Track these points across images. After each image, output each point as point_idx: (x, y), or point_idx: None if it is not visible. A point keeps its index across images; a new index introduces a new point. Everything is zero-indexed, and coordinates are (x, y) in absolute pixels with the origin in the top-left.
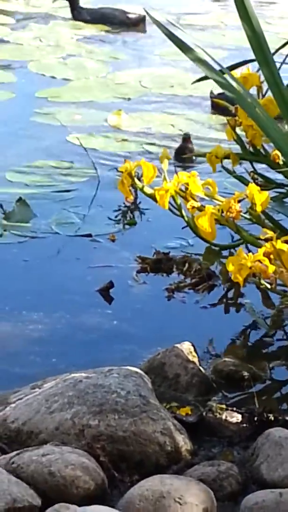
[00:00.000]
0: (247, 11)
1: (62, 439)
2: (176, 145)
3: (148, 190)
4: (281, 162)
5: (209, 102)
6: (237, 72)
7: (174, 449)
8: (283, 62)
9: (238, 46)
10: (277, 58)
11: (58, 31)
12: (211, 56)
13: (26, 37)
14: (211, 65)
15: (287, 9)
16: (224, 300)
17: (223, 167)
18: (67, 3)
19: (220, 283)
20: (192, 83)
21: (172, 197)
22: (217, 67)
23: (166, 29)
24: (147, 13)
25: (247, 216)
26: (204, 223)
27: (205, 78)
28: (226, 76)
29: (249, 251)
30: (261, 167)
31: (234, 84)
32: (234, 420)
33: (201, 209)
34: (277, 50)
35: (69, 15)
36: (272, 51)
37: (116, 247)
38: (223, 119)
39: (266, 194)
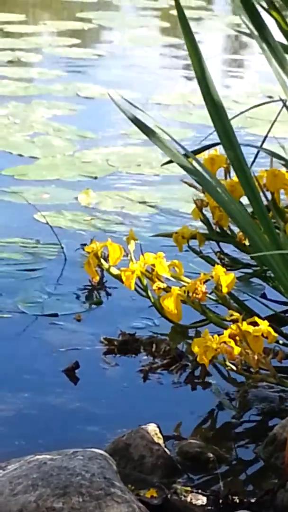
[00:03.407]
0: (211, 94)
1: None
2: (145, 223)
3: (114, 270)
4: (247, 243)
5: (176, 180)
6: (204, 153)
7: None
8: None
9: (205, 125)
10: (242, 140)
11: (33, 109)
12: (175, 140)
13: None
14: (175, 149)
15: (255, 88)
16: (191, 380)
17: (189, 247)
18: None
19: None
20: (161, 165)
21: (138, 277)
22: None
23: (129, 113)
24: (110, 96)
25: (213, 297)
26: (170, 304)
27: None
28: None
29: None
30: (228, 247)
31: (198, 167)
32: (199, 502)
33: (167, 290)
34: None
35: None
36: (238, 132)
37: (82, 327)
38: (194, 195)
39: (232, 275)
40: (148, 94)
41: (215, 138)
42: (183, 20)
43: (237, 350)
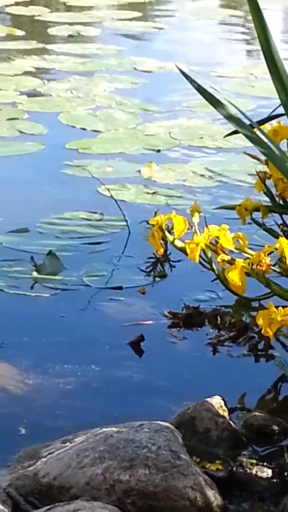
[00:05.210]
0: (277, 65)
1: (93, 494)
2: (208, 196)
3: (178, 243)
4: None
5: (238, 153)
6: (267, 125)
7: (204, 504)
8: None
9: (267, 97)
10: None
11: (95, 83)
12: (241, 110)
13: (60, 88)
14: (240, 119)
15: None
16: (255, 353)
17: (252, 219)
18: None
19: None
20: (224, 137)
21: (203, 250)
22: (247, 121)
23: (195, 83)
24: (177, 67)
25: (276, 269)
26: (234, 276)
27: (236, 132)
28: (255, 130)
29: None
30: None
31: (264, 138)
32: (264, 475)
33: (231, 262)
34: None
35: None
36: None
37: (146, 299)
38: (257, 167)
39: None
40: (209, 67)
41: (278, 111)
42: None
43: None
